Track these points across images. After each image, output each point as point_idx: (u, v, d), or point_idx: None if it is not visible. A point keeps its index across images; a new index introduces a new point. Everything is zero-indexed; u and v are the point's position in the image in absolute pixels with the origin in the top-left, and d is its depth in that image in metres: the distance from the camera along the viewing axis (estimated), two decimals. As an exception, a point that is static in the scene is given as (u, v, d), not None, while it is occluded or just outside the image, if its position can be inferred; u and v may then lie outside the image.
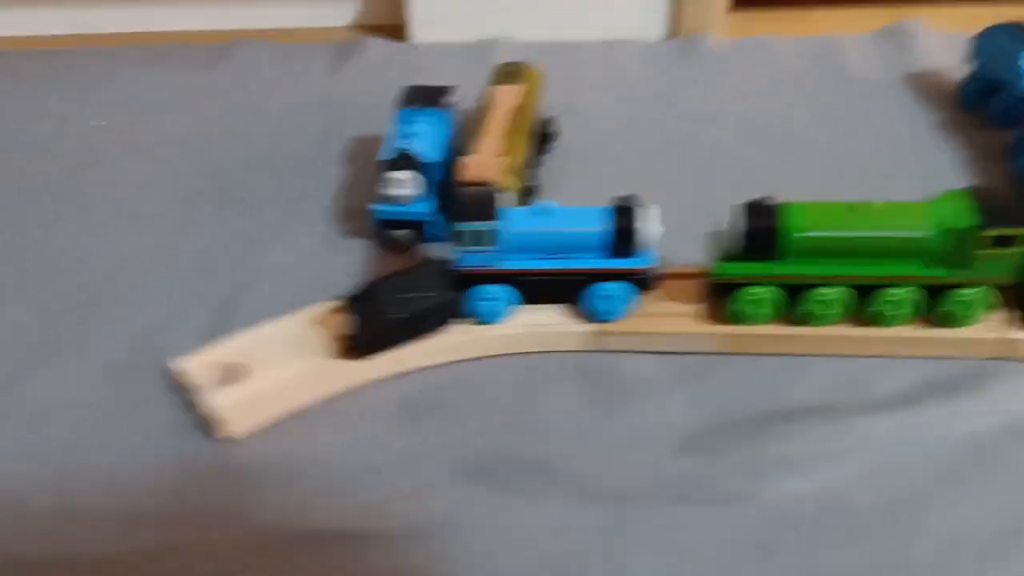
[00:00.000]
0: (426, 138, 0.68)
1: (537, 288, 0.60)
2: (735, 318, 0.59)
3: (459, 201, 0.58)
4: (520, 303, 0.60)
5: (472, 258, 0.58)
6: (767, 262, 0.57)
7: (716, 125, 0.85)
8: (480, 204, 0.57)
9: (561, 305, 0.61)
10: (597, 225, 0.57)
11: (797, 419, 0.56)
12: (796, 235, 0.55)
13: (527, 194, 0.71)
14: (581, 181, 0.76)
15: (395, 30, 1.00)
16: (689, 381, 0.58)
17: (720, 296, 0.59)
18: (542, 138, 0.78)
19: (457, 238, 0.57)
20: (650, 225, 0.57)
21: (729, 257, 0.58)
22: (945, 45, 0.92)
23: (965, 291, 0.56)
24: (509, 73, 0.76)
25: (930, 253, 0.55)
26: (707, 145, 0.82)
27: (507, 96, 0.72)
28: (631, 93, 0.90)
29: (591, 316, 0.60)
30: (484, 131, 0.68)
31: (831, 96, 0.89)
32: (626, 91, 0.91)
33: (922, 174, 0.77)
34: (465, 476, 0.53)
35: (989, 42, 0.83)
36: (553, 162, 0.79)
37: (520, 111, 0.71)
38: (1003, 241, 0.54)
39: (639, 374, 0.59)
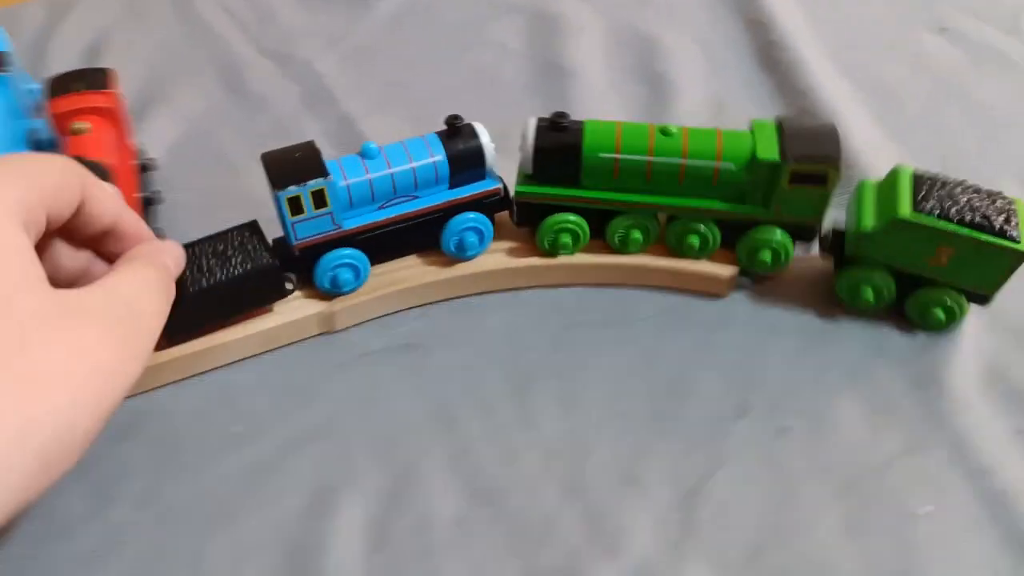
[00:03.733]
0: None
1: (385, 241, 0.51)
2: (550, 247, 0.53)
3: (278, 165, 0.47)
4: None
5: (310, 226, 0.48)
6: (568, 187, 0.51)
7: None
8: (306, 160, 0.47)
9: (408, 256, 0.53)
10: (438, 154, 0.50)
11: None
12: (598, 156, 0.49)
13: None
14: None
15: None
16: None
17: (528, 225, 0.53)
18: None
19: (289, 206, 0.46)
20: (487, 142, 0.51)
21: (527, 179, 0.51)
22: None
23: (765, 230, 0.50)
24: None
25: (735, 186, 0.50)
26: None
27: None
28: None
29: (459, 254, 0.53)
30: None
31: None
32: None
33: None
34: None
35: None
36: None
37: None
38: (804, 178, 0.48)
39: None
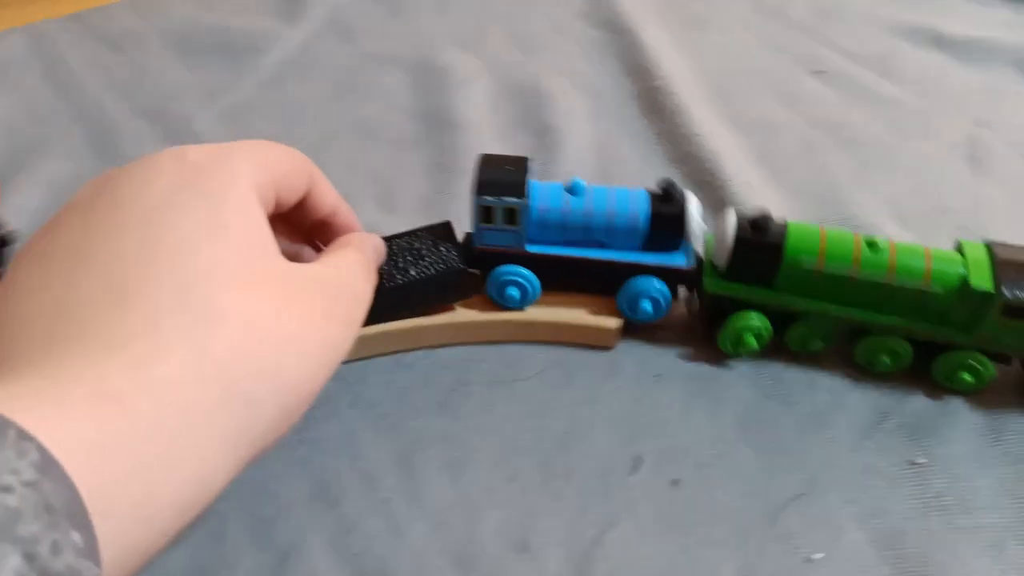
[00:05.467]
0: None
1: (560, 275, 0.51)
2: (733, 347, 0.51)
3: (486, 171, 0.49)
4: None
5: (495, 236, 0.50)
6: (761, 286, 0.49)
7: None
8: (512, 176, 0.48)
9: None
10: (641, 210, 0.49)
11: None
12: (799, 260, 0.48)
13: None
14: None
15: None
16: None
17: (710, 319, 0.51)
18: None
19: (481, 213, 0.48)
20: (697, 214, 0.49)
21: (720, 274, 0.50)
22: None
23: (964, 354, 0.48)
24: None
25: (938, 308, 0.48)
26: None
27: None
28: None
29: (631, 314, 0.51)
30: None
31: None
32: None
33: None
34: None
35: None
36: None
37: None
38: (1017, 312, 0.46)
39: None
